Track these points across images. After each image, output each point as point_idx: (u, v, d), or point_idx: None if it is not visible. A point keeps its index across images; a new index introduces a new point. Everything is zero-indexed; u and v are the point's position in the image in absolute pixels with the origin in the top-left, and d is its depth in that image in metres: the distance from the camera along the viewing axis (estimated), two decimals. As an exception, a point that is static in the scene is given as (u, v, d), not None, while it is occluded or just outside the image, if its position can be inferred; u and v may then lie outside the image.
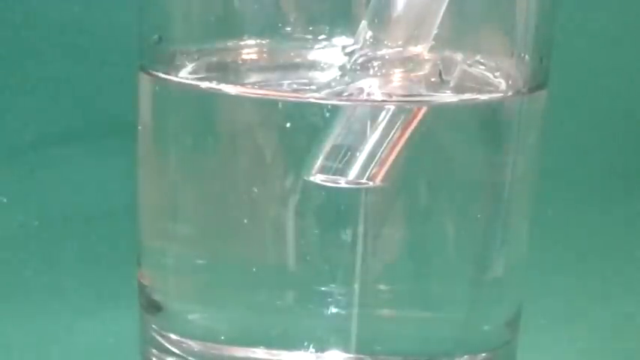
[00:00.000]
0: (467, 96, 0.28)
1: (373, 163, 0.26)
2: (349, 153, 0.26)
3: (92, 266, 0.40)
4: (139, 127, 0.30)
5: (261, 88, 0.28)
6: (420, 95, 0.28)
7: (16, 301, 0.36)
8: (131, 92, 0.30)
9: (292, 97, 0.27)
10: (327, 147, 0.27)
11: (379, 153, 0.26)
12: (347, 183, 0.27)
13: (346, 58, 0.27)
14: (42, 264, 0.40)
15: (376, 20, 0.27)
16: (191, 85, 0.28)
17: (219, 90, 0.27)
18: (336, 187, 0.27)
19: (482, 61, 0.28)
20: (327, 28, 0.28)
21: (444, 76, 0.28)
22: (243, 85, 0.28)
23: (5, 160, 0.51)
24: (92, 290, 0.38)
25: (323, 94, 0.27)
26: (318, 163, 0.27)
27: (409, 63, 0.27)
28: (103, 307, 0.36)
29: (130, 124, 0.30)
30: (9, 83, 0.52)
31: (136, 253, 0.30)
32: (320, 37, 0.27)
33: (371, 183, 0.27)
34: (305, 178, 0.27)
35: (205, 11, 0.28)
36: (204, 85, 0.28)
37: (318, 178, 0.27)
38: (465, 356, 0.29)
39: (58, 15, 0.52)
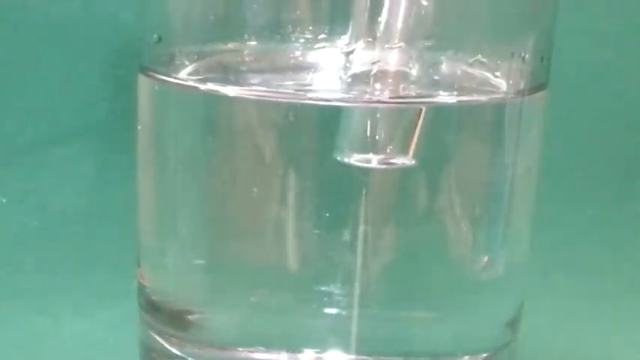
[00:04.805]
0: (467, 97, 0.28)
1: (401, 141, 0.26)
2: (379, 132, 0.26)
3: (92, 266, 0.40)
4: (139, 127, 0.30)
5: (261, 89, 0.28)
6: (423, 96, 0.28)
7: (16, 301, 0.36)
8: (131, 92, 0.30)
9: (292, 98, 0.27)
10: (354, 127, 0.27)
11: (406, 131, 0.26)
12: (379, 163, 0.27)
13: (344, 58, 0.27)
14: (42, 264, 0.40)
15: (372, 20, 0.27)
16: (190, 86, 0.28)
17: (219, 92, 0.27)
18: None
19: (482, 60, 0.28)
20: (327, 28, 0.27)
21: (434, 76, 0.28)
22: (242, 86, 0.28)
23: (5, 160, 0.51)
24: (92, 290, 0.38)
25: (324, 95, 0.27)
26: (348, 143, 0.26)
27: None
28: (103, 307, 0.36)
29: (129, 124, 0.30)
30: (9, 83, 0.52)
31: (135, 253, 0.30)
32: (320, 37, 0.27)
33: (401, 162, 0.26)
34: (337, 158, 0.26)
35: (205, 12, 0.28)
36: (204, 86, 0.28)
37: (349, 158, 0.26)
38: (466, 356, 0.29)
39: (58, 15, 0.52)
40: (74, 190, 0.49)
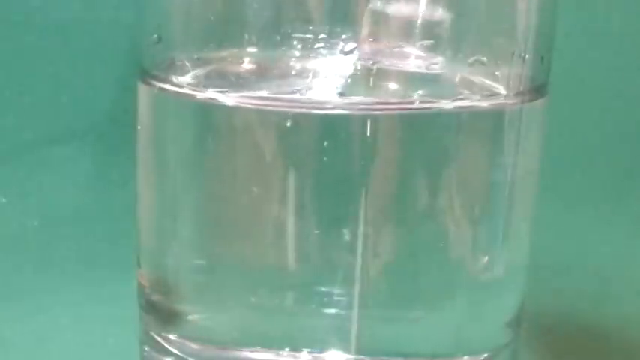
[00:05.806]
0: (467, 97, 0.28)
1: None
2: None
3: (92, 266, 0.40)
4: (138, 127, 0.30)
5: (260, 97, 0.28)
6: (421, 101, 0.28)
7: (16, 301, 0.36)
8: (131, 92, 0.30)
9: (291, 106, 0.27)
10: None
11: None
12: None
13: (344, 58, 0.27)
14: (42, 264, 0.40)
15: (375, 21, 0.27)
16: (190, 94, 0.28)
17: (217, 100, 0.27)
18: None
19: (482, 60, 0.28)
20: (327, 28, 0.27)
21: (435, 77, 0.28)
22: (241, 94, 0.28)
23: (5, 160, 0.51)
24: (92, 290, 0.38)
25: (323, 100, 0.27)
26: None
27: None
28: (103, 307, 0.36)
29: (129, 124, 0.30)
30: (9, 83, 0.52)
31: (135, 253, 0.30)
32: (320, 37, 0.27)
33: None
34: None
35: (204, 13, 0.28)
36: (203, 94, 0.28)
37: None
38: (466, 357, 0.29)
39: (58, 15, 0.52)
40: (74, 190, 0.49)
